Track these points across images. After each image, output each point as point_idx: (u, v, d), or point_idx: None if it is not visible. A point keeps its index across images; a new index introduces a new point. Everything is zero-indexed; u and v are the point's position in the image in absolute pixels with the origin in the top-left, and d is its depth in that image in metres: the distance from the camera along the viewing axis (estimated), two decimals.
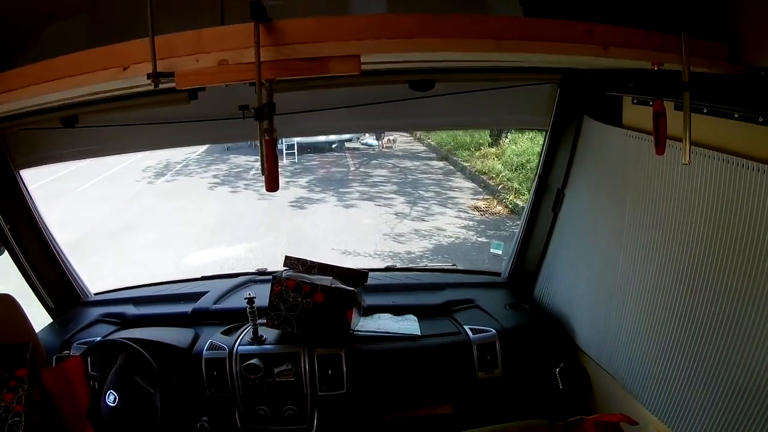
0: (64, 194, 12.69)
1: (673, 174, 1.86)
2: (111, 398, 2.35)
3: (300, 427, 2.50)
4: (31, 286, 2.85)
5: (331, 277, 2.52)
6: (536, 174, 2.82)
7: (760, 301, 1.55)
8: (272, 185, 1.19)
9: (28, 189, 2.77)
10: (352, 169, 14.90)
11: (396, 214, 10.79)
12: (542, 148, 2.79)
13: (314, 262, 2.59)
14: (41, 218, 2.82)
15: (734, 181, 1.61)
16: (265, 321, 2.52)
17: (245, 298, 2.54)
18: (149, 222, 10.89)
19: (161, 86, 1.15)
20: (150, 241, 9.50)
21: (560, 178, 2.66)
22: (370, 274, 2.73)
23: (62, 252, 2.95)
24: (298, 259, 2.62)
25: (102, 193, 13.27)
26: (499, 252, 3.82)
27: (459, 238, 9.35)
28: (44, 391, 1.69)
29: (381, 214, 10.77)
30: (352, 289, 2.47)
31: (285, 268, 2.61)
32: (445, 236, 9.40)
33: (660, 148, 1.49)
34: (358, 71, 1.16)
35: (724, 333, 1.68)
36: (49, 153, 2.77)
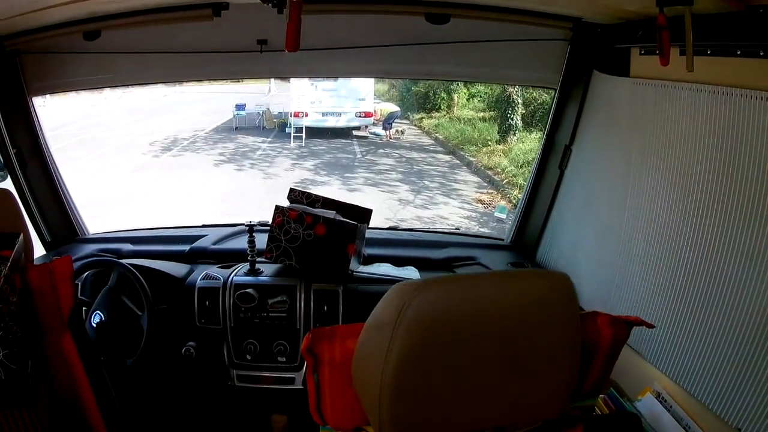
0: (69, 162, 12.69)
1: (680, 116, 1.84)
2: (97, 318, 2.35)
3: (290, 365, 2.47)
4: (29, 217, 2.81)
5: (334, 211, 2.49)
6: (544, 133, 2.81)
7: None
8: (292, 45, 1.21)
9: (39, 117, 2.76)
10: (358, 156, 14.86)
11: (400, 200, 10.82)
12: (551, 107, 2.77)
13: (318, 196, 2.57)
14: (48, 149, 2.81)
15: (740, 113, 1.60)
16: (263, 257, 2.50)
17: (245, 224, 2.53)
18: (152, 193, 10.91)
19: None
20: (151, 211, 9.48)
21: (568, 135, 2.63)
22: (374, 230, 2.71)
23: (65, 186, 2.93)
24: (303, 192, 2.59)
25: (108, 163, 13.27)
26: (503, 216, 3.81)
27: (461, 227, 9.35)
28: (26, 285, 1.64)
29: (384, 199, 10.79)
30: (355, 223, 2.44)
31: (289, 203, 2.58)
32: (447, 224, 9.44)
33: (665, 59, 1.50)
34: None
35: (731, 282, 1.64)
36: (65, 80, 2.75)
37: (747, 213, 1.59)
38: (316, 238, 2.41)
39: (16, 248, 1.58)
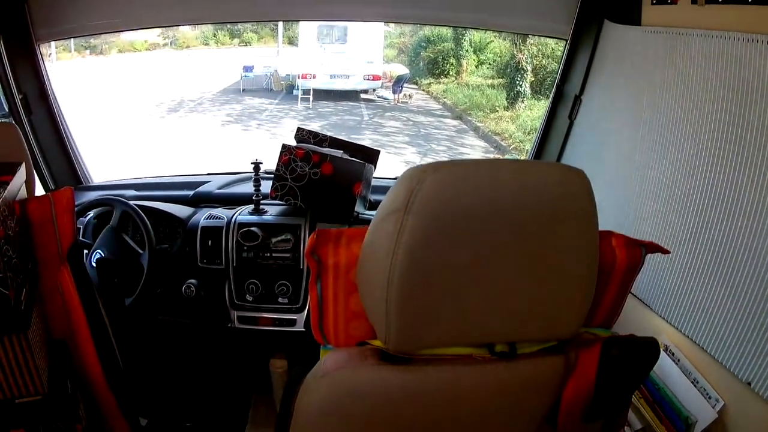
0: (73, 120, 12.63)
1: (691, 62, 1.82)
2: (97, 256, 2.34)
3: (292, 306, 2.45)
4: (33, 163, 2.80)
5: (341, 151, 2.47)
6: (554, 83, 2.79)
7: None
8: None
9: (45, 64, 2.75)
10: (365, 118, 14.79)
11: (406, 162, 10.79)
12: (561, 58, 2.75)
13: (326, 135, 2.54)
14: (54, 96, 2.80)
15: (751, 58, 1.57)
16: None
17: (251, 163, 2.51)
18: (157, 152, 10.91)
19: None
20: (155, 169, 9.45)
21: (578, 85, 2.62)
22: (380, 179, 2.69)
23: (70, 134, 2.92)
24: (310, 131, 2.56)
25: (112, 124, 13.17)
26: None
27: None
28: (26, 216, 1.61)
29: (390, 161, 10.67)
30: (362, 162, 2.42)
31: (296, 142, 2.55)
32: None
33: None
34: None
35: (743, 230, 1.62)
36: (72, 26, 2.72)
37: (759, 159, 1.57)
38: (322, 177, 2.38)
39: (17, 174, 1.57)
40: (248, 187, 2.62)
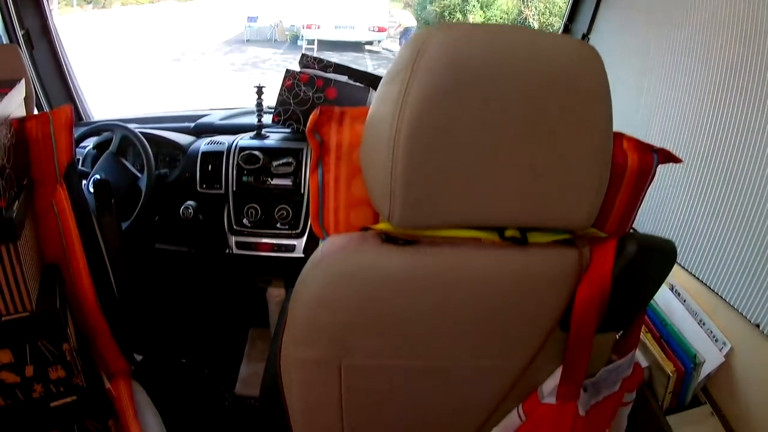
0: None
1: None
2: (94, 179, 2.29)
3: (291, 232, 2.39)
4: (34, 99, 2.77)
5: (346, 76, 2.40)
6: (562, 23, 2.73)
7: None
8: None
9: (48, 1, 2.66)
10: (369, 68, 14.58)
11: None
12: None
13: (330, 62, 2.45)
14: (57, 32, 2.72)
15: None
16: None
17: (254, 86, 2.44)
18: (159, 99, 10.87)
19: None
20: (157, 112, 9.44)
21: (586, 24, 2.56)
22: None
23: (72, 71, 2.84)
24: (315, 58, 2.48)
25: (116, 72, 13.07)
26: None
27: None
28: (23, 132, 1.56)
29: None
30: (366, 86, 2.35)
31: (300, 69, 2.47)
32: None
33: None
34: None
35: (752, 167, 1.55)
36: None
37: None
38: (326, 101, 2.31)
39: (15, 87, 1.52)
40: (250, 119, 2.56)
